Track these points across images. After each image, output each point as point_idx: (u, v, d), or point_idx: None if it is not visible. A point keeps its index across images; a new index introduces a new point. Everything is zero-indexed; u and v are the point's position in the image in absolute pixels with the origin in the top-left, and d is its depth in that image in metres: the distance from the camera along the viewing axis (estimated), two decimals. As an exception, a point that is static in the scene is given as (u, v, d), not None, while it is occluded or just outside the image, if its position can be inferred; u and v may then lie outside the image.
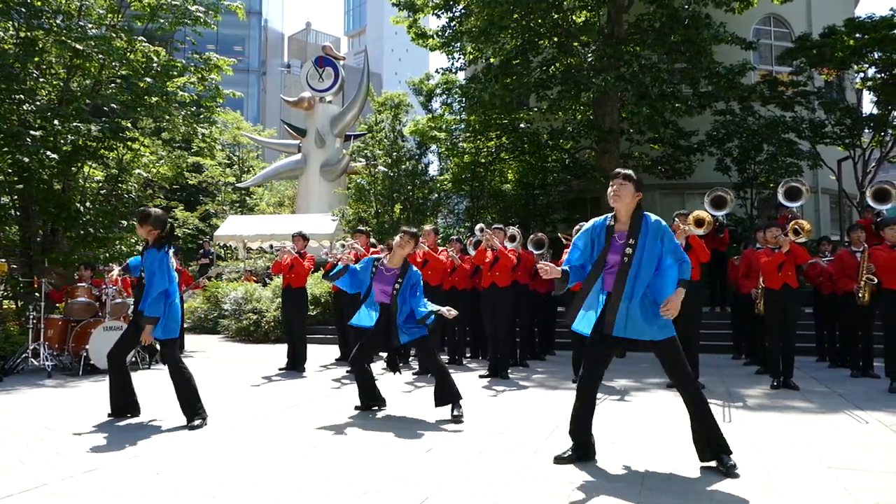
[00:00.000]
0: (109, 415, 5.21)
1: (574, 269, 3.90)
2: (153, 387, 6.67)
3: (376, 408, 5.58)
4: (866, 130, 16.88)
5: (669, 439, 4.41)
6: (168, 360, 5.12)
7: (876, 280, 6.91)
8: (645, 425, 4.96)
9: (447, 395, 5.26)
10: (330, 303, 12.12)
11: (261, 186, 31.42)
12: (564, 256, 7.40)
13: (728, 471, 3.58)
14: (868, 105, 18.32)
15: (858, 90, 17.93)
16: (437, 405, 5.30)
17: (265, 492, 3.37)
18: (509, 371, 7.71)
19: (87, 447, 4.30)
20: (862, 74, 16.95)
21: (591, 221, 4.00)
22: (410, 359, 9.07)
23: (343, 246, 8.68)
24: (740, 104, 16.05)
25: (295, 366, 8.27)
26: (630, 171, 3.88)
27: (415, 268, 5.50)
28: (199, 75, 11.84)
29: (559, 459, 3.89)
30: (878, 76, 16.10)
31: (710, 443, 3.68)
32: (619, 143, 15.99)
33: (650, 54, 15.12)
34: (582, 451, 3.90)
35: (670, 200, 18.19)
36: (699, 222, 6.57)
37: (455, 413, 5.17)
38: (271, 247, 9.06)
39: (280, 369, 8.28)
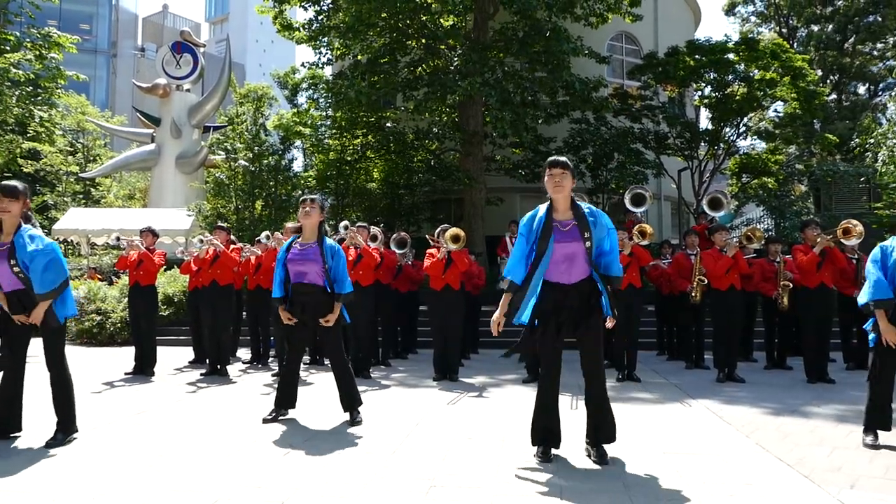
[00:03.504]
0: None
1: (515, 270, 3.90)
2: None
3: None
4: (703, 144, 18.51)
5: (525, 433, 4.57)
6: (55, 355, 4.43)
7: (706, 281, 7.58)
8: (501, 420, 5.12)
9: (354, 396, 5.08)
10: (184, 302, 11.55)
11: (108, 177, 29.35)
12: (428, 260, 7.51)
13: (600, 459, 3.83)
14: (704, 121, 20.09)
15: (696, 107, 19.62)
16: (344, 409, 5.08)
17: (104, 506, 3.13)
18: (371, 370, 7.70)
19: None
20: (700, 92, 18.57)
21: (528, 215, 3.99)
22: (271, 359, 8.83)
23: (202, 241, 8.28)
24: (594, 114, 17.02)
25: (143, 369, 7.75)
26: (566, 159, 3.93)
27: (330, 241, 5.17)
28: (37, 52, 10.82)
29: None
30: (713, 95, 17.70)
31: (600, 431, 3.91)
32: (483, 146, 16.44)
33: (513, 62, 15.66)
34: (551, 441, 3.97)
35: (530, 203, 18.91)
36: (642, 233, 7.18)
37: (356, 417, 5.02)
38: (118, 240, 8.44)
39: (126, 373, 7.74)
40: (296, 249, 5.04)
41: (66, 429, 4.39)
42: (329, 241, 5.13)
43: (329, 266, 4.99)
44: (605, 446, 3.92)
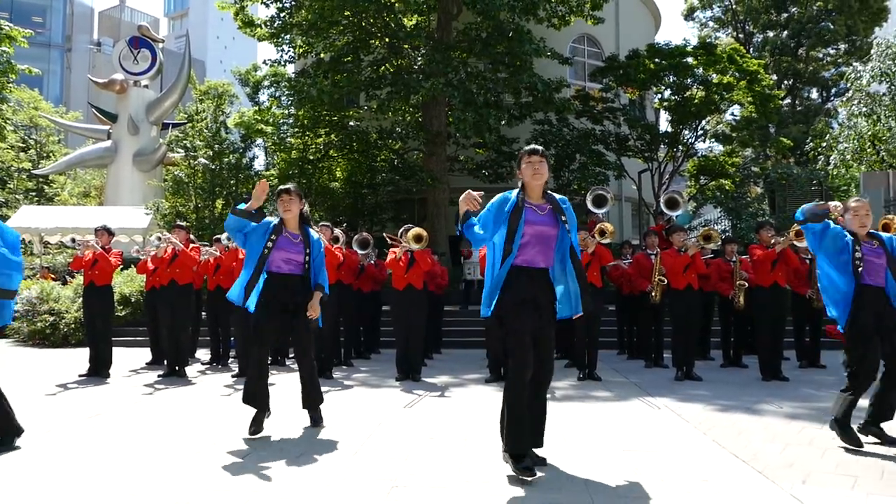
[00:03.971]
0: None
1: (471, 225, 3.79)
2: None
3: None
4: (662, 146, 18.84)
5: (487, 432, 4.59)
6: None
7: (666, 281, 7.71)
8: (464, 420, 5.13)
9: (317, 395, 4.90)
10: (141, 302, 11.31)
11: (62, 174, 28.61)
12: (390, 257, 7.50)
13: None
14: (664, 123, 20.46)
15: (656, 109, 19.94)
16: (304, 406, 4.89)
17: (55, 512, 3.05)
18: (333, 370, 7.64)
19: None
20: (659, 95, 18.89)
21: (499, 196, 3.86)
22: (231, 360, 8.70)
23: (159, 238, 8.11)
24: (557, 115, 17.18)
25: (98, 371, 7.57)
26: (543, 148, 3.91)
27: (315, 234, 5.00)
28: (-13, 46, 10.49)
29: None
30: (673, 98, 18.02)
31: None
32: (446, 146, 16.46)
33: (476, 62, 15.72)
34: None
35: (493, 203, 19.04)
36: (602, 232, 7.27)
37: (318, 418, 4.86)
38: (73, 241, 8.23)
39: (80, 375, 7.55)
40: (287, 239, 4.76)
41: (8, 433, 4.21)
42: (313, 233, 4.98)
43: (310, 254, 4.81)
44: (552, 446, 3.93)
